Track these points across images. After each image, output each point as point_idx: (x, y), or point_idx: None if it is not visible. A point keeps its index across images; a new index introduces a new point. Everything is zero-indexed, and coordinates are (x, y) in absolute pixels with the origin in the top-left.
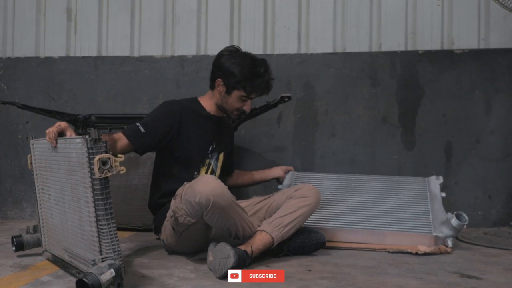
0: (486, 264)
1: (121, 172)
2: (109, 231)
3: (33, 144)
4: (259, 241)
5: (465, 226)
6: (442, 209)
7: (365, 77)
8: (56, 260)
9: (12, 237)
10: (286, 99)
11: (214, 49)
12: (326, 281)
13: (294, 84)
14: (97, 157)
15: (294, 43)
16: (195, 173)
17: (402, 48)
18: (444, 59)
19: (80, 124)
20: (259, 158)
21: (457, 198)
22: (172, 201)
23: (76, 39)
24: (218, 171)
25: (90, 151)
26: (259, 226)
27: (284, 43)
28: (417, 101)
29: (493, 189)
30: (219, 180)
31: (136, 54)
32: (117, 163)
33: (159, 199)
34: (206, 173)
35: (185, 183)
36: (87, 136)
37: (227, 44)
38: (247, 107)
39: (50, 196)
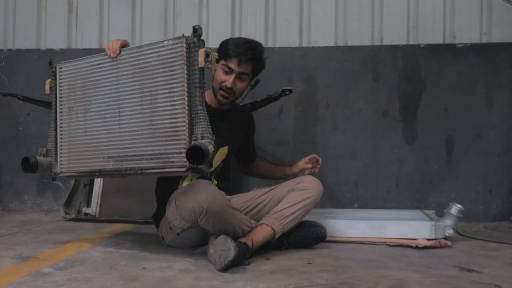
0: (486, 258)
1: (215, 68)
2: (205, 115)
3: (60, 68)
4: (259, 234)
5: (462, 211)
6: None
7: (367, 71)
8: (89, 174)
9: (27, 157)
10: (287, 93)
11: (215, 42)
12: (326, 274)
13: (295, 78)
14: (202, 49)
15: (296, 36)
16: None
17: (404, 42)
18: (446, 53)
19: None
20: (260, 151)
21: (458, 192)
22: (166, 207)
23: (77, 32)
24: (217, 164)
25: (192, 45)
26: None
27: (285, 36)
28: (419, 95)
29: (493, 184)
30: (212, 185)
31: None
32: (215, 59)
33: (159, 194)
34: None
35: (179, 186)
36: (187, 35)
37: (228, 37)
38: (228, 81)
39: (88, 112)
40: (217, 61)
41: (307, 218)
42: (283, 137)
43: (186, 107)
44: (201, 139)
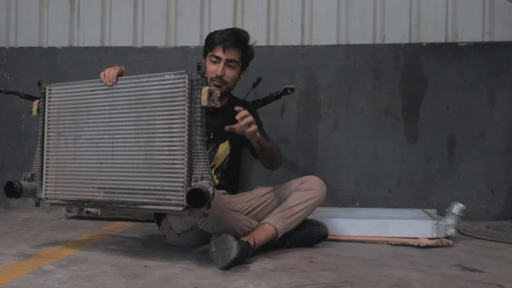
0: (488, 258)
1: (217, 106)
2: (205, 155)
3: (50, 89)
4: (262, 233)
5: (464, 211)
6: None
7: (369, 70)
8: (77, 203)
9: (10, 182)
10: (289, 91)
11: None
12: (328, 272)
13: (297, 76)
14: (206, 88)
15: (298, 35)
16: None
17: (406, 41)
18: (448, 51)
19: None
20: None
21: (460, 191)
22: None
23: (79, 30)
24: (217, 161)
25: (195, 82)
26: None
27: (287, 35)
28: (421, 93)
29: (496, 183)
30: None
31: (139, 45)
32: (217, 97)
33: None
34: None
35: None
36: (190, 71)
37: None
38: (218, 70)
39: (78, 139)
40: (205, 54)
41: (309, 216)
42: (285, 135)
43: (186, 145)
44: (201, 180)
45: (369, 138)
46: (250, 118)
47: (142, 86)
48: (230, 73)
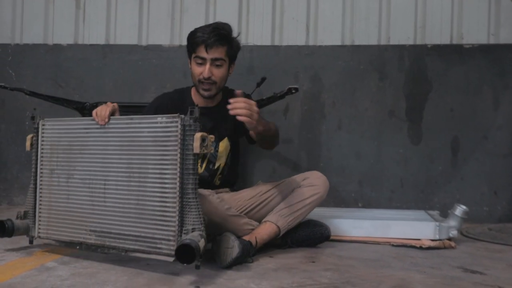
0: (490, 260)
1: (210, 151)
2: (197, 204)
3: (43, 125)
4: (264, 231)
5: (466, 213)
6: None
7: (373, 70)
8: (69, 245)
9: (2, 221)
10: (293, 91)
11: None
12: (329, 273)
13: (301, 76)
14: (198, 134)
15: (303, 35)
16: None
17: (411, 42)
18: (453, 53)
19: (87, 112)
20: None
21: (463, 193)
22: None
23: (85, 27)
24: (221, 160)
25: (188, 128)
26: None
27: (292, 35)
28: (425, 95)
29: (499, 185)
30: (211, 196)
31: (144, 43)
32: (211, 142)
33: None
34: (202, 162)
35: None
36: (182, 115)
37: (235, 34)
38: (204, 72)
39: (71, 178)
40: (189, 55)
41: (311, 217)
42: (288, 135)
43: (178, 193)
44: (192, 231)
45: (373, 139)
46: (244, 111)
47: (134, 127)
48: (218, 73)
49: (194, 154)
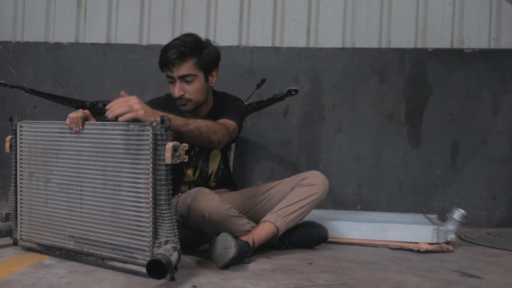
0: (488, 264)
1: (184, 160)
2: (170, 215)
3: (21, 126)
4: (261, 232)
5: (465, 217)
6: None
7: (373, 73)
8: (50, 249)
9: None
10: (293, 93)
11: (222, 41)
12: (326, 274)
13: (301, 78)
14: (170, 144)
15: (303, 37)
16: (181, 175)
17: (411, 46)
18: (453, 57)
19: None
20: (264, 151)
21: (462, 197)
22: None
23: (86, 26)
24: (214, 166)
25: (159, 137)
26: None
27: (293, 37)
28: (425, 99)
29: (498, 190)
30: (212, 194)
31: (144, 43)
32: (184, 151)
33: None
34: (194, 173)
35: (179, 194)
36: (154, 123)
37: (236, 36)
38: (174, 91)
39: (49, 182)
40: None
41: (309, 218)
42: (287, 137)
43: (151, 204)
44: (165, 244)
45: (372, 142)
46: (120, 109)
47: (108, 134)
48: (190, 89)
49: (166, 165)
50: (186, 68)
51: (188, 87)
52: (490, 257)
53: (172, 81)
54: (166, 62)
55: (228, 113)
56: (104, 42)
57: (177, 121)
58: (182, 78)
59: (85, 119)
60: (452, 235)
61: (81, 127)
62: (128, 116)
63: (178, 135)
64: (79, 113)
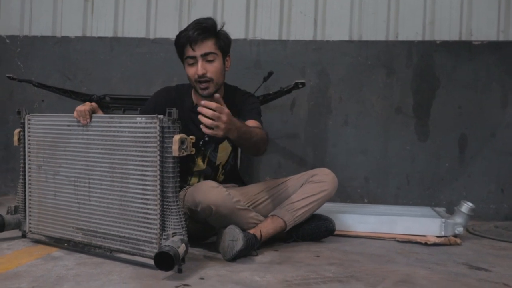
0: (496, 257)
1: (192, 153)
2: (177, 207)
3: (29, 120)
4: (269, 225)
5: (473, 210)
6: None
7: (381, 66)
8: (58, 241)
9: None
10: (300, 86)
11: (230, 34)
12: (334, 267)
13: (308, 71)
14: (177, 137)
15: (310, 30)
16: (191, 163)
17: (419, 38)
18: (461, 50)
19: None
20: (271, 144)
21: (470, 191)
22: None
23: (93, 19)
24: (222, 159)
25: (167, 130)
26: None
27: (300, 29)
28: (433, 92)
29: (506, 183)
30: (219, 187)
31: (151, 36)
32: (191, 144)
33: None
34: (203, 162)
35: (187, 186)
36: (161, 116)
37: (243, 29)
38: (198, 70)
39: (57, 175)
40: (182, 60)
41: (317, 211)
42: (294, 130)
43: (158, 196)
44: (173, 236)
45: (379, 135)
46: (209, 121)
47: (115, 127)
48: (211, 68)
49: (174, 157)
50: (208, 46)
51: (210, 66)
52: (498, 250)
53: (193, 62)
54: (188, 40)
55: (253, 114)
56: (111, 36)
57: (241, 128)
58: (204, 56)
59: (92, 112)
60: (460, 228)
61: (88, 120)
62: (208, 132)
63: (236, 140)
64: (87, 106)
